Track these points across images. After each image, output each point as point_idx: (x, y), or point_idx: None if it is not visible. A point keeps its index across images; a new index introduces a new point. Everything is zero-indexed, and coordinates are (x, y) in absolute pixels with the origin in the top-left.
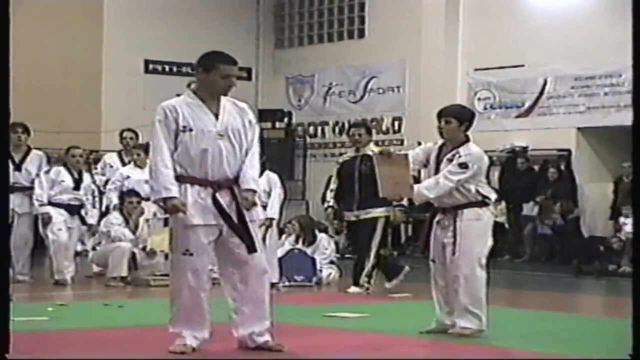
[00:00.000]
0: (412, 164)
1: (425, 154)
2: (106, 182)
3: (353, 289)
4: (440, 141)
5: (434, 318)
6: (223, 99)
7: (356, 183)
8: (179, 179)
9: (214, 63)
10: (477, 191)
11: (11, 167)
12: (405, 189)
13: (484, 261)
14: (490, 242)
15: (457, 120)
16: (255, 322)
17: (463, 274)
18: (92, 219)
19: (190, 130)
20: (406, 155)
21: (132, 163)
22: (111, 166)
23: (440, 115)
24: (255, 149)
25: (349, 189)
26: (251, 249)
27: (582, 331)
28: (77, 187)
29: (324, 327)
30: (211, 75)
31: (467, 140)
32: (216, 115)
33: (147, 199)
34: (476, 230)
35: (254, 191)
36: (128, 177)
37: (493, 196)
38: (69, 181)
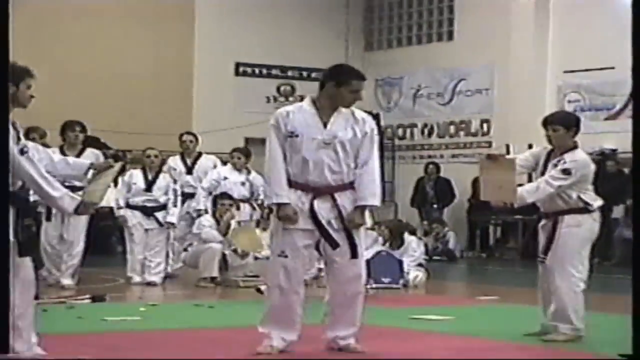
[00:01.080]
0: (519, 168)
1: (535, 158)
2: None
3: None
4: (549, 146)
5: (541, 321)
6: (342, 108)
7: None
8: (288, 182)
9: (348, 78)
10: (579, 198)
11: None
12: (508, 193)
13: (581, 267)
14: (588, 249)
15: (563, 127)
16: (343, 325)
17: (558, 279)
18: (172, 218)
19: (297, 136)
20: (513, 160)
21: (230, 165)
22: (174, 169)
23: (546, 122)
24: (373, 160)
25: None
26: (353, 254)
27: None
28: (149, 189)
29: (409, 330)
30: (342, 89)
31: (575, 146)
32: (325, 124)
33: (242, 201)
34: (575, 237)
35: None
36: (225, 178)
37: (596, 203)
38: (140, 183)
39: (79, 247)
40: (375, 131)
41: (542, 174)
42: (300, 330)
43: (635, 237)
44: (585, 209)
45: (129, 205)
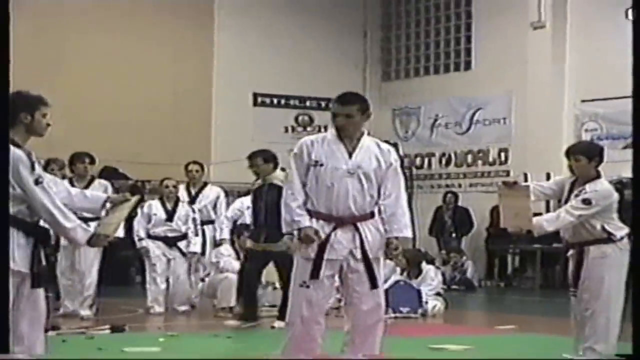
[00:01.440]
0: (539, 195)
1: (559, 187)
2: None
3: (278, 324)
4: (573, 177)
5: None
6: (367, 139)
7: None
8: (309, 212)
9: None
10: (603, 228)
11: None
12: (524, 220)
13: (612, 301)
14: (621, 278)
15: (586, 157)
16: (362, 354)
17: (588, 310)
18: (195, 247)
19: (321, 165)
20: (527, 187)
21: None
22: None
23: (569, 152)
24: (402, 192)
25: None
26: (373, 285)
27: None
28: (169, 219)
29: None
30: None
31: (598, 176)
32: (350, 154)
33: None
34: (602, 268)
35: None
36: (249, 207)
37: (620, 233)
38: (161, 213)
39: (91, 277)
40: (399, 162)
41: (566, 202)
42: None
43: (635, 237)
44: (610, 239)
45: (149, 236)
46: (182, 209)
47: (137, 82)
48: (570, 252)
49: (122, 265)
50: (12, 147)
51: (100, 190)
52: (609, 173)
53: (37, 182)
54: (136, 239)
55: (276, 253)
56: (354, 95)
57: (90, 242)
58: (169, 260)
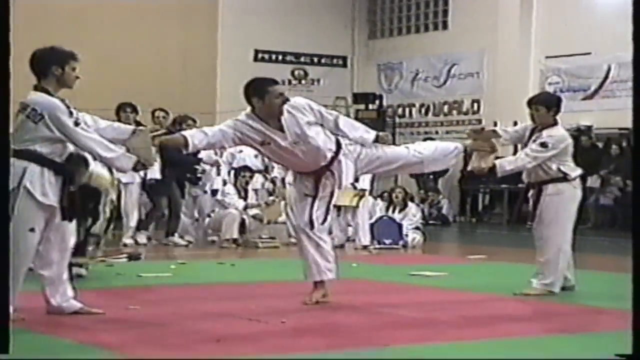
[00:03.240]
0: (503, 140)
1: (521, 133)
2: None
3: None
4: (533, 124)
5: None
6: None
7: None
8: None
9: (266, 88)
10: (559, 169)
11: None
12: (488, 162)
13: (564, 231)
14: (572, 213)
15: (545, 107)
16: None
17: (544, 240)
18: (217, 185)
19: (268, 143)
20: (495, 130)
21: None
22: None
23: (530, 103)
24: (337, 117)
25: None
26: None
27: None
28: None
29: (409, 284)
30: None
31: (555, 123)
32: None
33: (258, 172)
34: (558, 203)
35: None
36: (241, 151)
37: (574, 173)
38: None
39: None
40: (311, 104)
41: (526, 146)
42: None
43: (634, 237)
44: (565, 178)
45: None
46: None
47: (151, 43)
48: (531, 192)
49: None
50: (46, 96)
51: None
52: (569, 122)
53: (76, 123)
54: None
55: None
56: None
57: (136, 167)
58: (194, 197)
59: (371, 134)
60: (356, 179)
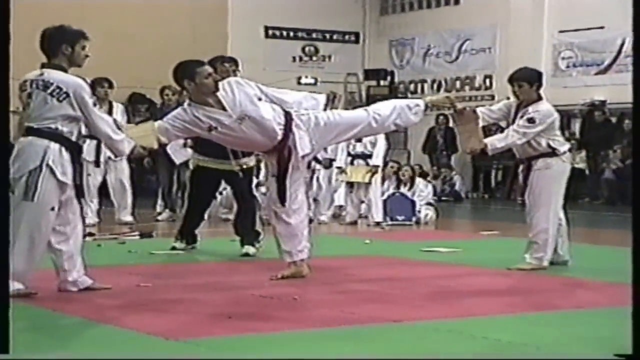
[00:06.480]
0: (483, 121)
1: (507, 108)
2: None
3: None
4: (518, 101)
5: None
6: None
7: None
8: None
9: (195, 70)
10: (548, 144)
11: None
12: (476, 141)
13: (554, 205)
14: (562, 187)
15: (527, 83)
16: None
17: (533, 214)
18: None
19: (215, 128)
20: (474, 111)
21: None
22: None
23: (512, 79)
24: (281, 90)
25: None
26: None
27: None
28: None
29: (421, 260)
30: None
31: (540, 98)
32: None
33: None
34: (547, 178)
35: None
36: None
37: (563, 148)
38: None
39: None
40: (254, 83)
41: (513, 123)
42: None
43: (634, 236)
44: (554, 153)
45: None
46: None
47: (162, 19)
48: (521, 167)
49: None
50: (71, 76)
51: (121, 112)
52: (583, 96)
53: (95, 104)
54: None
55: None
56: None
57: (133, 152)
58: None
59: (320, 98)
60: (369, 155)
